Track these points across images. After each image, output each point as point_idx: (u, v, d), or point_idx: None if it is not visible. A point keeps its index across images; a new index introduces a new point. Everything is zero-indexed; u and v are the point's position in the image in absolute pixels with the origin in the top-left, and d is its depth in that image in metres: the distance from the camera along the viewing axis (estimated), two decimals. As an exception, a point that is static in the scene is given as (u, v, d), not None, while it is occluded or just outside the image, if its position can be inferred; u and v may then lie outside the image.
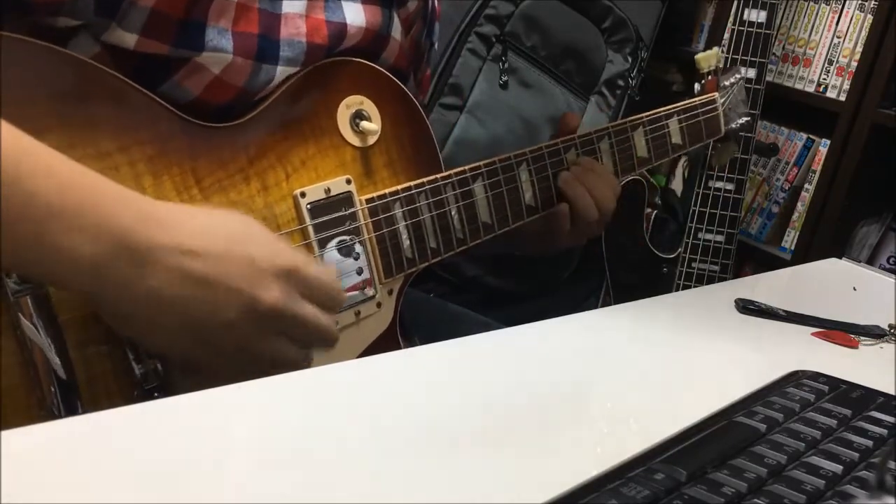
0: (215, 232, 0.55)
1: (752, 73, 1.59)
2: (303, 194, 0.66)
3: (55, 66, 0.55)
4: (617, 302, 1.46)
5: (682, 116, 0.92)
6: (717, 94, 0.96)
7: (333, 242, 0.68)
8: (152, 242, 0.51)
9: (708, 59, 0.97)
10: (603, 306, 1.69)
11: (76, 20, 0.57)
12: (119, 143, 0.57)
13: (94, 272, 0.50)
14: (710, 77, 0.97)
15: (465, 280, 1.63)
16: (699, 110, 0.94)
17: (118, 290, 0.51)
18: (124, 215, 0.51)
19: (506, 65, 1.64)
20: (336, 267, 0.67)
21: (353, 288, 0.69)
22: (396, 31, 0.74)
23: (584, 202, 0.84)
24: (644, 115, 0.89)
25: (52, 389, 0.53)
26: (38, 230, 0.48)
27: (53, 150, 0.50)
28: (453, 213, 0.75)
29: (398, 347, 0.74)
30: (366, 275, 0.70)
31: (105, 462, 0.40)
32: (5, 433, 0.39)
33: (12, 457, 0.38)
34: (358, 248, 0.69)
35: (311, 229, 0.66)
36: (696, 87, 0.98)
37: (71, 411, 0.53)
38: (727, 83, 0.98)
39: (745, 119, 1.00)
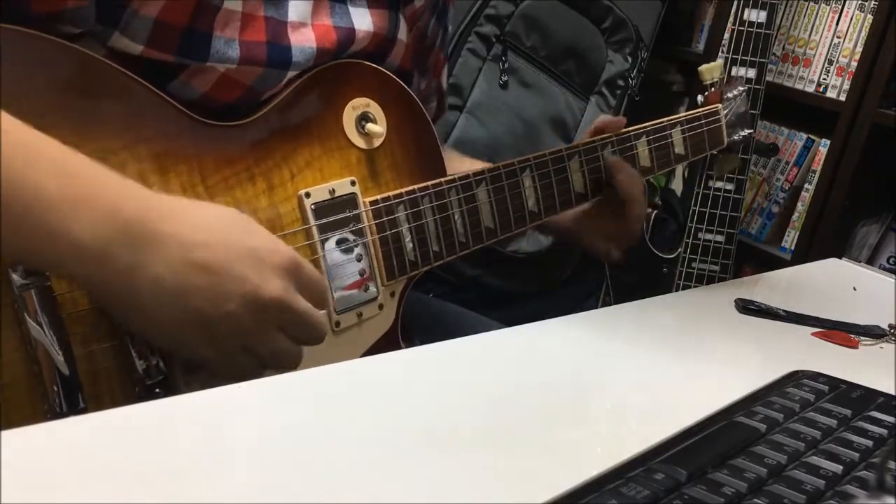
0: (218, 224, 0.56)
1: (752, 73, 1.58)
2: (307, 195, 0.66)
3: (62, 61, 0.55)
4: (617, 302, 1.46)
5: (686, 127, 0.91)
6: (720, 106, 0.95)
7: (337, 243, 0.68)
8: (156, 231, 0.52)
9: (711, 70, 0.96)
10: (603, 306, 1.69)
11: (78, 28, 0.57)
12: (125, 139, 0.57)
13: (97, 261, 0.50)
14: (713, 89, 0.96)
15: (464, 280, 1.63)
16: (702, 121, 0.93)
17: (121, 279, 0.51)
18: (127, 206, 0.51)
19: (506, 65, 1.64)
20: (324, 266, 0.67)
21: (355, 287, 0.69)
22: (402, 32, 0.74)
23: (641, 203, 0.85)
24: (648, 124, 0.88)
25: (55, 388, 0.53)
26: (41, 221, 0.49)
27: (57, 141, 0.51)
28: (456, 217, 0.74)
29: (399, 349, 0.74)
30: (368, 276, 0.70)
31: (105, 462, 0.40)
32: (5, 433, 0.39)
33: (12, 457, 0.38)
34: (361, 249, 0.69)
35: (314, 230, 0.66)
36: (700, 98, 0.97)
37: (73, 407, 0.53)
38: (730, 95, 0.96)
39: (748, 131, 0.99)
